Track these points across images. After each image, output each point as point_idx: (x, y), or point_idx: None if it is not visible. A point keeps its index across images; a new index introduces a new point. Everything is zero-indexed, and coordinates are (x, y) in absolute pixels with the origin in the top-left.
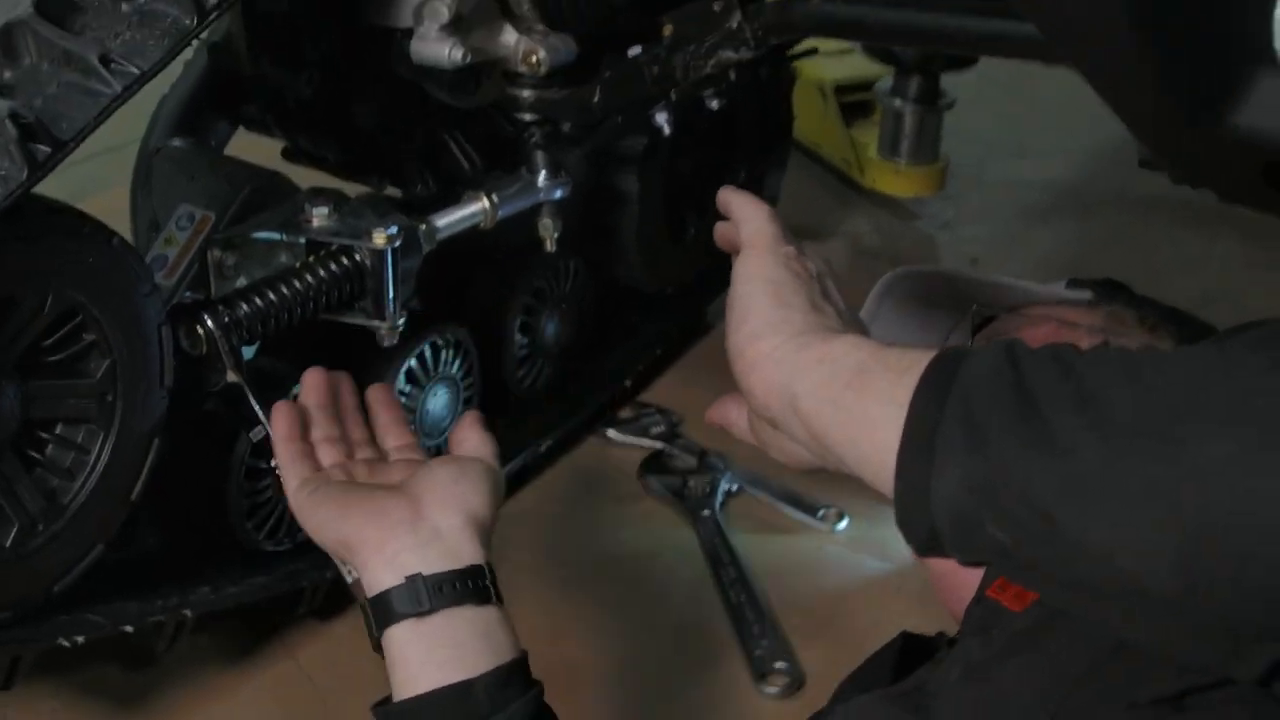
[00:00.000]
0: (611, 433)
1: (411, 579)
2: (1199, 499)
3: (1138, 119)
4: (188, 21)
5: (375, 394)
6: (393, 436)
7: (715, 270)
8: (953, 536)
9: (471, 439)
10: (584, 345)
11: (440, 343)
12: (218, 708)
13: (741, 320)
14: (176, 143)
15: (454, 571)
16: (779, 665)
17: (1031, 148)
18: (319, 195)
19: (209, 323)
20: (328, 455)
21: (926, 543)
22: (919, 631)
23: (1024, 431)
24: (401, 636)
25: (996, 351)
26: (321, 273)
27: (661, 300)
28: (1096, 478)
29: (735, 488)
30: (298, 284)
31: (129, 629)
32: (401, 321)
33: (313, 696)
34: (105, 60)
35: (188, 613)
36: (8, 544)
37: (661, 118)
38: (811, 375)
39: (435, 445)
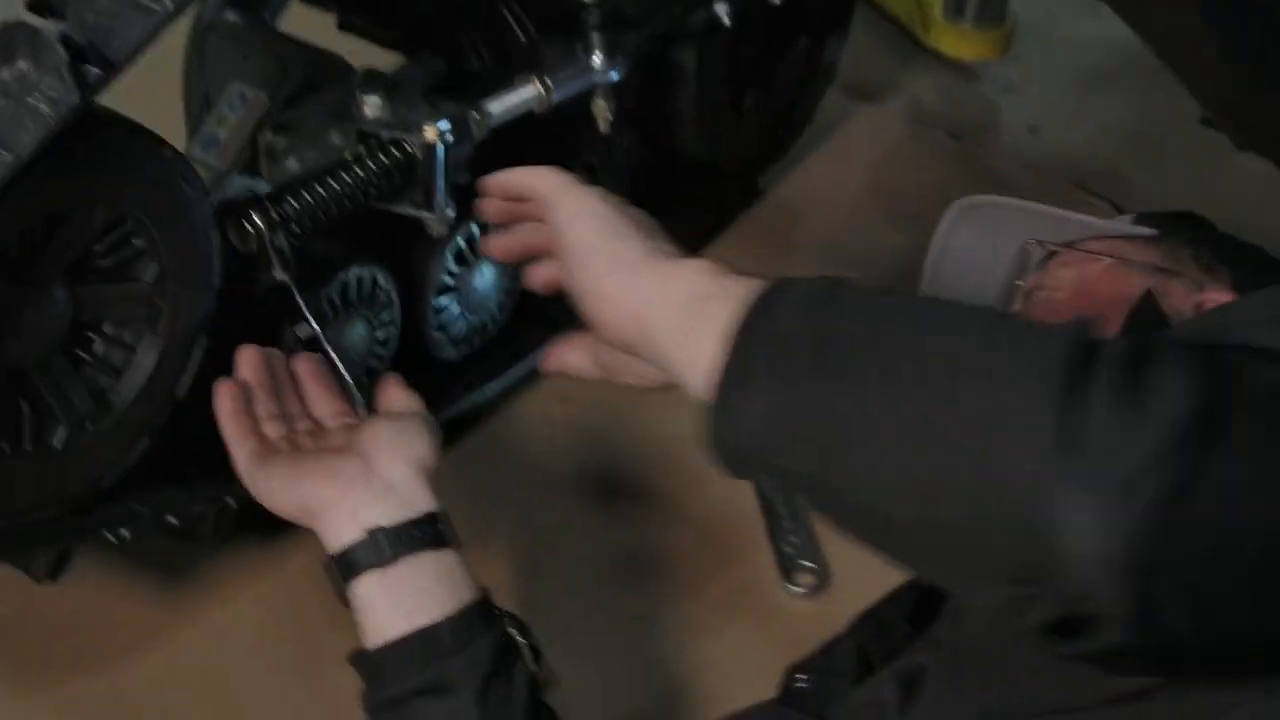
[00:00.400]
0: None
1: (372, 532)
2: (939, 447)
3: (1200, 84)
4: None
5: (303, 367)
6: (325, 405)
7: (769, 138)
8: (756, 462)
9: (400, 397)
10: None
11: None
12: (264, 586)
13: (583, 262)
14: (230, 17)
15: (411, 520)
16: (806, 563)
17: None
18: (371, 80)
19: (257, 221)
20: (271, 429)
21: (732, 466)
22: None
23: (819, 368)
24: (367, 588)
25: (814, 288)
26: (371, 165)
27: (714, 170)
28: (862, 417)
29: None
30: (346, 177)
31: (173, 520)
32: (450, 213)
33: None
34: None
35: (230, 500)
36: (57, 443)
37: (721, 8)
38: (659, 300)
39: (481, 321)
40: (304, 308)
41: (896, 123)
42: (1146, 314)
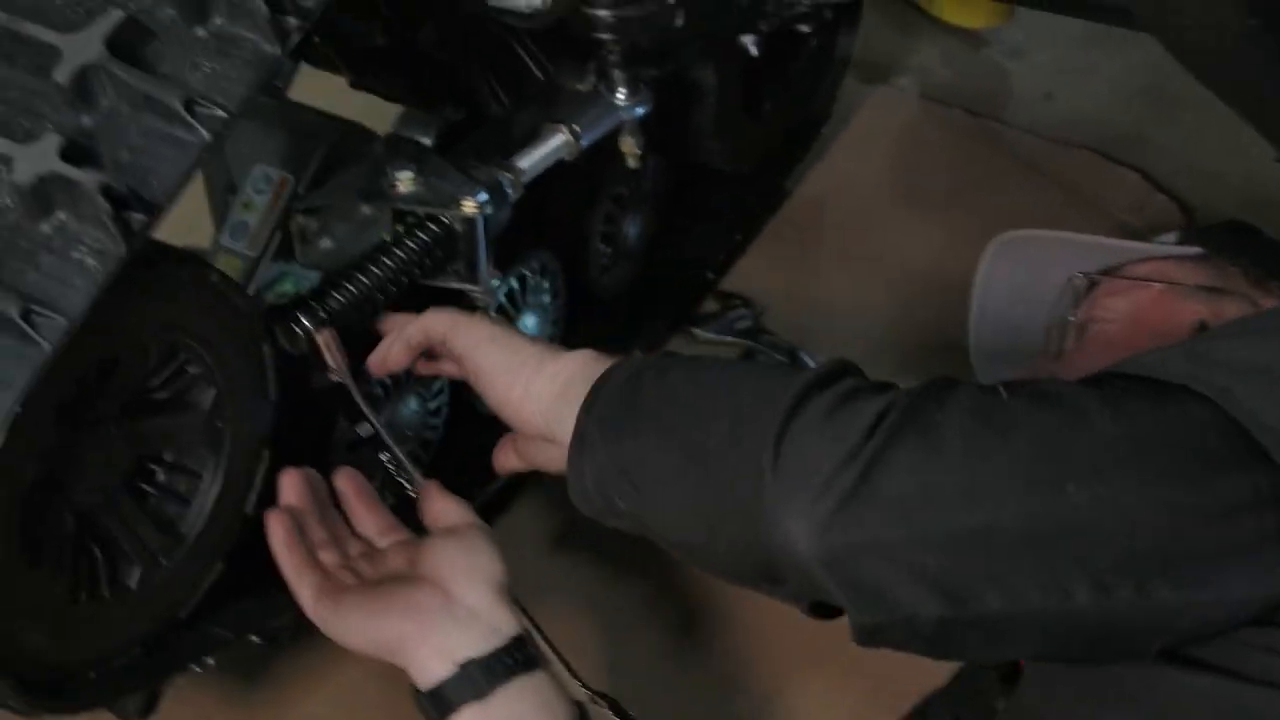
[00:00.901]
0: (697, 331)
1: (464, 666)
2: (698, 481)
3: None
4: (269, 49)
5: (346, 482)
6: (371, 523)
7: (790, 139)
8: (604, 508)
9: (450, 509)
10: (665, 237)
11: (527, 273)
12: (345, 672)
13: (490, 382)
14: None
15: (501, 649)
16: None
17: None
18: (400, 153)
19: (306, 323)
20: (328, 557)
21: (590, 513)
22: None
23: (625, 429)
24: None
25: (634, 363)
26: (411, 245)
27: (738, 176)
28: (647, 463)
29: None
30: (388, 261)
31: (256, 639)
32: (495, 282)
33: None
34: (189, 105)
35: None
36: (133, 584)
37: (749, 39)
38: (544, 395)
39: None
40: (363, 405)
41: (911, 102)
42: None
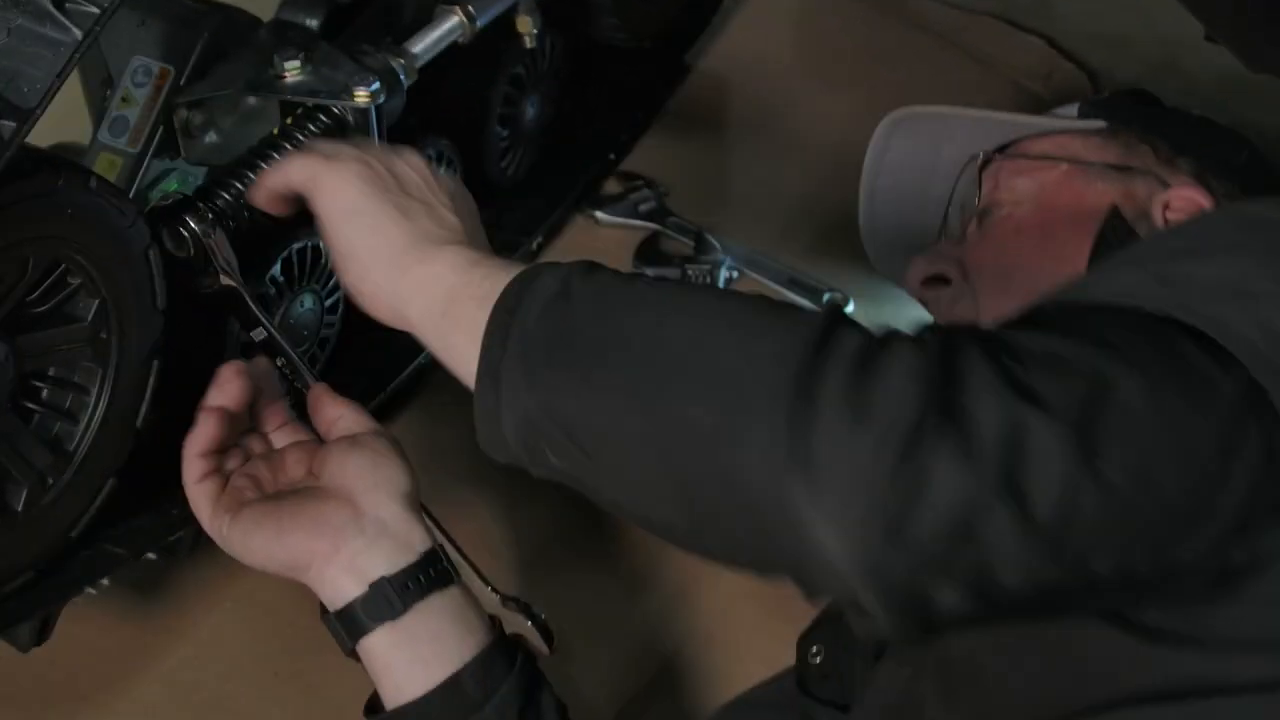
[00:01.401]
0: (600, 214)
1: (376, 584)
2: (682, 457)
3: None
4: None
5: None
6: (273, 417)
7: (691, 12)
8: (528, 461)
9: (346, 415)
10: (564, 119)
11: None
12: (245, 584)
13: (343, 265)
14: None
15: (414, 564)
16: None
17: None
18: (286, 41)
19: (193, 225)
20: (230, 461)
21: (511, 464)
22: None
23: (555, 369)
24: (379, 644)
25: (553, 283)
26: (302, 138)
27: (638, 52)
28: (599, 422)
29: (735, 274)
30: (278, 156)
31: (152, 555)
32: None
33: None
34: (59, 1)
35: None
36: (20, 506)
37: None
38: (415, 304)
39: None
40: (257, 310)
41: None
42: (1114, 233)
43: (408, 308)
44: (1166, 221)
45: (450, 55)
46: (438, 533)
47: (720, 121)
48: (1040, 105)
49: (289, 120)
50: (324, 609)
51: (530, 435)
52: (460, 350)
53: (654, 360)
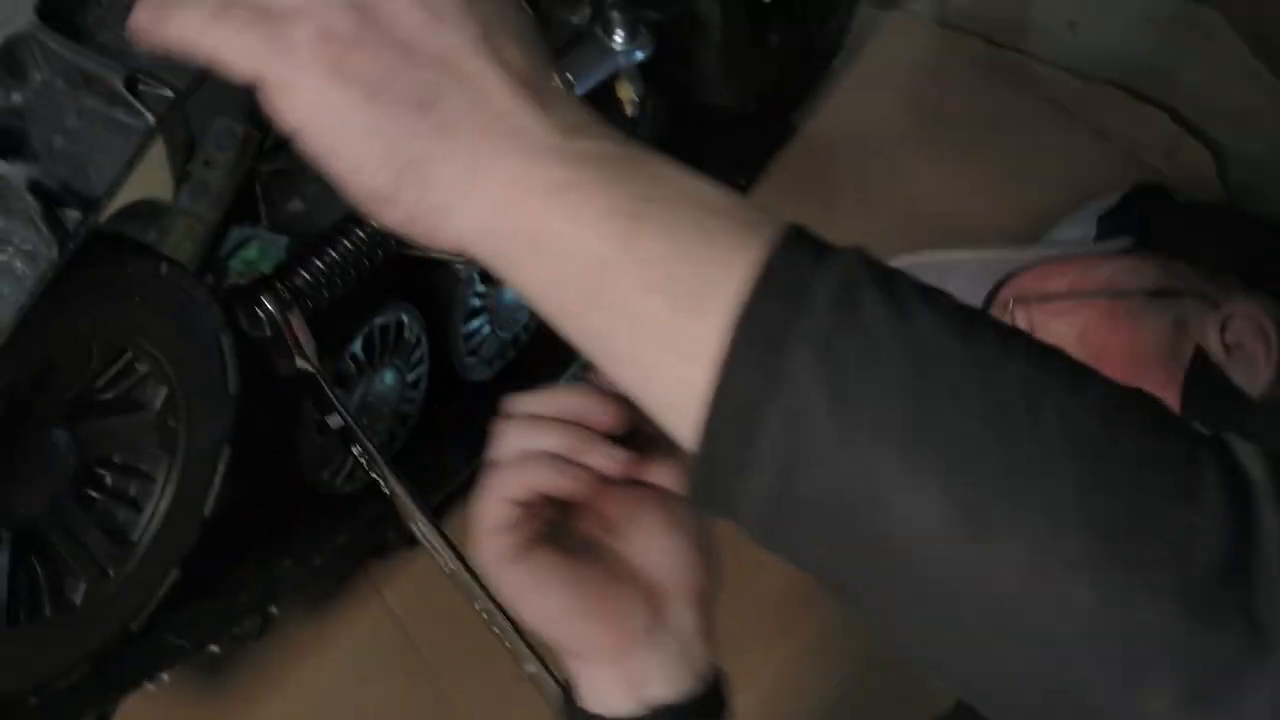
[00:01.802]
0: None
1: (657, 712)
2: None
3: None
4: None
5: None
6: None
7: (799, 73)
8: (760, 536)
9: (668, 463)
10: None
11: None
12: (310, 670)
13: (331, 154)
14: None
15: (700, 698)
16: None
17: None
18: None
19: (269, 307)
20: (541, 476)
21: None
22: None
23: (854, 429)
24: None
25: (838, 283)
26: None
27: (743, 114)
28: (923, 530)
29: None
30: (362, 232)
31: (215, 648)
32: None
33: (407, 644)
34: (132, 82)
35: (274, 609)
36: (79, 599)
37: None
38: (523, 267)
39: (513, 335)
40: (333, 397)
41: (926, 31)
42: (1202, 379)
43: (499, 259)
44: (1226, 348)
45: None
46: (507, 625)
47: (826, 186)
48: (1161, 183)
49: None
50: (569, 700)
51: (788, 515)
52: (651, 362)
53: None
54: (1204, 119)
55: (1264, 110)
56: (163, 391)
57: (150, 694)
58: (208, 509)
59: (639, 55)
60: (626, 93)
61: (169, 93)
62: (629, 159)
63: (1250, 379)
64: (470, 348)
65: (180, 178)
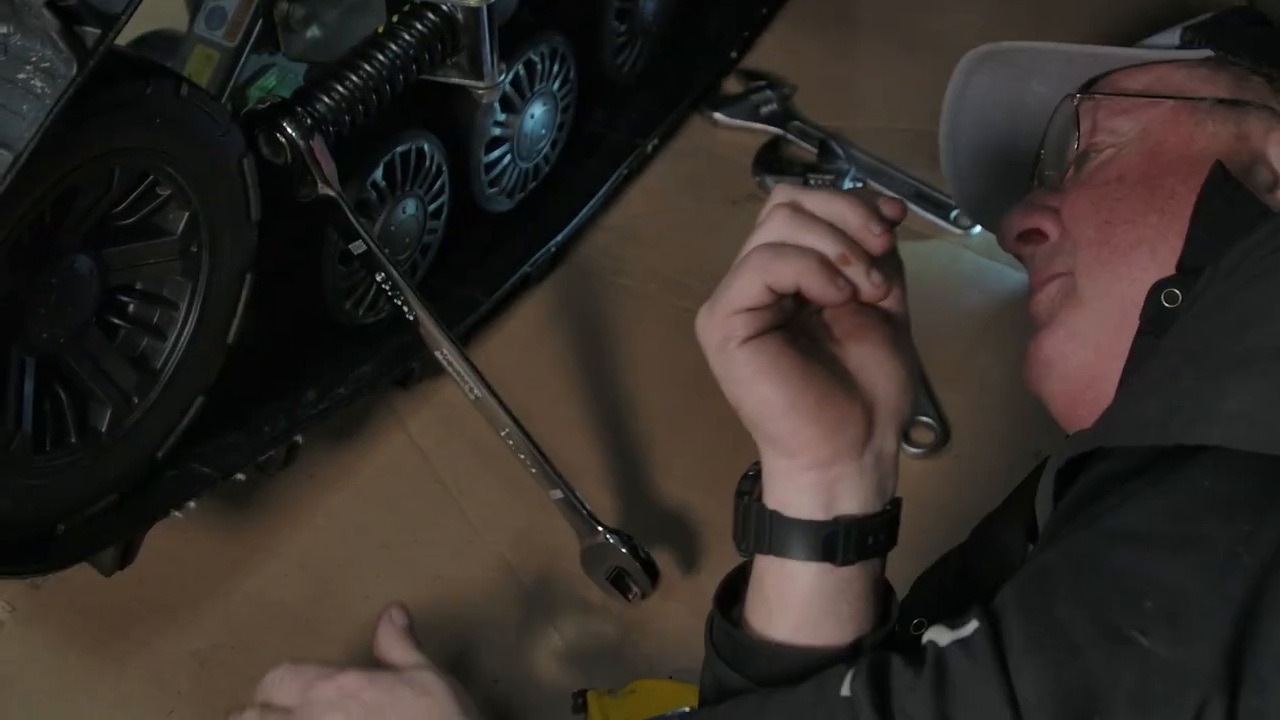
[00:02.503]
0: (718, 116)
1: (840, 521)
2: None
3: None
4: None
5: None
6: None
7: None
8: None
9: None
10: (684, 13)
11: (535, 59)
12: (337, 500)
13: None
14: None
15: (880, 516)
16: (923, 419)
17: None
18: None
19: (291, 132)
20: (808, 274)
21: None
22: None
23: None
24: (804, 577)
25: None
26: (408, 38)
27: None
28: None
29: (860, 184)
30: (382, 58)
31: (241, 476)
32: (500, 75)
33: (431, 475)
34: None
35: (299, 439)
36: (104, 427)
37: None
38: None
39: (534, 165)
40: (356, 222)
41: None
42: (1219, 192)
43: None
44: None
45: None
46: (534, 451)
47: (851, 18)
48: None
49: (395, 18)
50: (745, 491)
51: None
52: None
53: None
54: None
55: None
56: (185, 216)
57: (177, 522)
58: (231, 337)
59: None
60: None
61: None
62: None
63: None
64: (491, 178)
65: (196, 3)
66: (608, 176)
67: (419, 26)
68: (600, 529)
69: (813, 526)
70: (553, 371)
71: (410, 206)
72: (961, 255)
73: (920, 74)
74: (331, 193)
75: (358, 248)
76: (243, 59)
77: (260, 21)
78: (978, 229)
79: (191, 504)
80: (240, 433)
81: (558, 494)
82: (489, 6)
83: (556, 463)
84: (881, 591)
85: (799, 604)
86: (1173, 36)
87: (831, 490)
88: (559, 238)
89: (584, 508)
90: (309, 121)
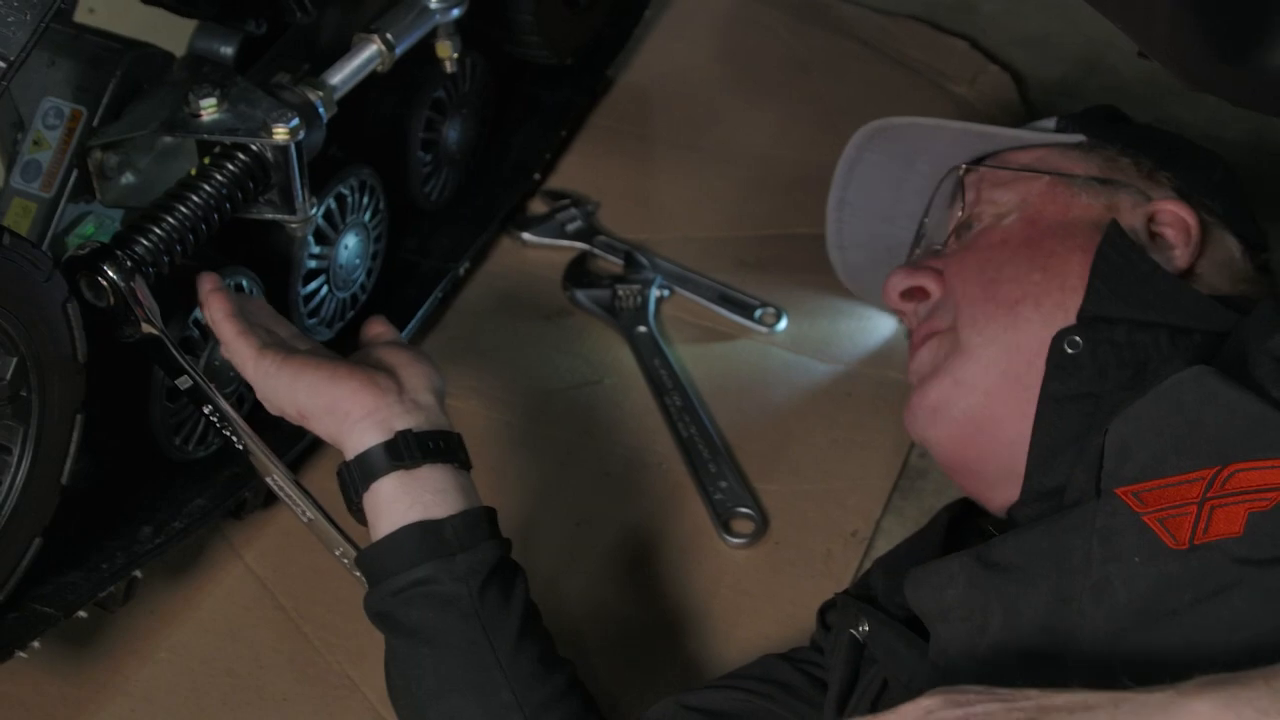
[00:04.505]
0: (526, 235)
1: (402, 434)
2: None
3: (1155, 49)
4: None
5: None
6: (283, 328)
7: (613, 25)
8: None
9: (387, 332)
10: (487, 140)
11: (345, 191)
12: (180, 633)
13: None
14: None
15: (438, 432)
16: (742, 510)
17: None
18: (201, 78)
19: (111, 275)
20: (265, 329)
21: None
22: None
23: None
24: (387, 488)
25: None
26: (221, 178)
27: (559, 68)
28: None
29: (666, 292)
30: (196, 198)
31: (83, 614)
32: (311, 208)
33: (270, 600)
34: None
35: (138, 575)
36: None
37: None
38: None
39: (349, 295)
40: (181, 358)
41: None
42: (1116, 247)
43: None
44: (1153, 236)
45: (370, 83)
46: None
47: (645, 135)
48: (967, 108)
49: (207, 159)
50: (343, 463)
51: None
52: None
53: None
54: (1004, 47)
55: (1061, 36)
56: (13, 362)
57: (19, 666)
58: (65, 477)
59: (455, 13)
60: (446, 50)
61: (1, 63)
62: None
63: (1164, 265)
64: (310, 309)
65: (11, 158)
66: (423, 301)
67: (230, 166)
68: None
69: (382, 445)
70: None
71: None
72: (769, 352)
73: (716, 183)
74: (155, 331)
75: (184, 383)
76: (60, 208)
77: (75, 171)
78: (782, 324)
79: (35, 644)
80: (79, 571)
81: None
82: (297, 144)
83: None
84: (475, 496)
85: (387, 508)
86: (1049, 124)
87: (384, 425)
88: None
89: None
90: (129, 264)
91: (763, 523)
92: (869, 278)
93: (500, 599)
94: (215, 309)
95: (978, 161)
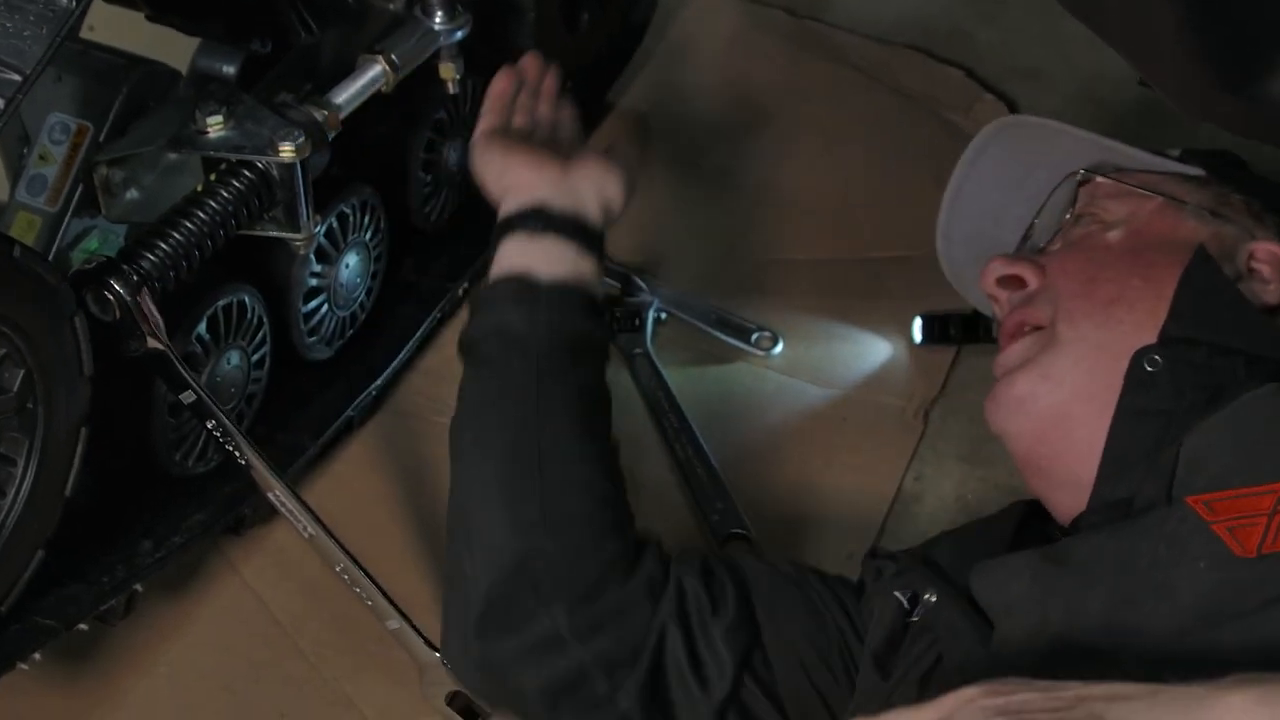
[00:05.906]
0: None
1: (539, 205)
2: None
3: (1158, 77)
4: (64, 2)
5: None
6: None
7: (614, 48)
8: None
9: (624, 140)
10: None
11: (347, 211)
12: (177, 648)
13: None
14: None
15: (577, 215)
16: (737, 531)
17: None
18: (208, 95)
19: (118, 289)
20: (519, 119)
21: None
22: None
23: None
24: (513, 243)
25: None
26: (226, 195)
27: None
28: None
29: (664, 315)
30: (201, 214)
31: (84, 626)
32: (315, 226)
33: (267, 617)
34: None
35: (139, 588)
36: None
37: None
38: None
39: (351, 313)
40: (185, 372)
41: (730, 5)
42: (1201, 270)
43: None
44: (1250, 270)
45: (373, 103)
46: (369, 583)
47: (647, 158)
48: (962, 137)
49: (212, 176)
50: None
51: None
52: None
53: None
54: (999, 77)
55: (1056, 68)
56: (20, 374)
57: (18, 680)
58: (69, 490)
59: (459, 34)
60: (449, 72)
61: (16, 76)
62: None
63: (1252, 297)
64: (310, 327)
65: (17, 172)
66: (422, 321)
67: (236, 183)
68: (437, 654)
69: (520, 211)
70: (380, 509)
71: (234, 358)
72: (765, 376)
73: (713, 208)
74: (160, 346)
75: (188, 398)
76: (65, 223)
77: (80, 186)
78: (779, 349)
79: (36, 656)
80: (80, 584)
81: (394, 624)
82: (302, 162)
83: (392, 593)
84: (588, 277)
85: (504, 258)
86: (1173, 153)
87: (531, 199)
88: (379, 382)
89: (421, 634)
90: (135, 278)
91: (758, 545)
92: (969, 274)
93: (564, 365)
94: (495, 84)
95: (1098, 171)
